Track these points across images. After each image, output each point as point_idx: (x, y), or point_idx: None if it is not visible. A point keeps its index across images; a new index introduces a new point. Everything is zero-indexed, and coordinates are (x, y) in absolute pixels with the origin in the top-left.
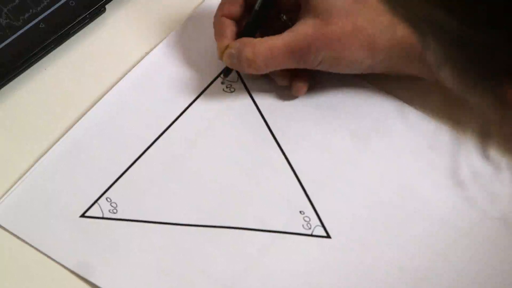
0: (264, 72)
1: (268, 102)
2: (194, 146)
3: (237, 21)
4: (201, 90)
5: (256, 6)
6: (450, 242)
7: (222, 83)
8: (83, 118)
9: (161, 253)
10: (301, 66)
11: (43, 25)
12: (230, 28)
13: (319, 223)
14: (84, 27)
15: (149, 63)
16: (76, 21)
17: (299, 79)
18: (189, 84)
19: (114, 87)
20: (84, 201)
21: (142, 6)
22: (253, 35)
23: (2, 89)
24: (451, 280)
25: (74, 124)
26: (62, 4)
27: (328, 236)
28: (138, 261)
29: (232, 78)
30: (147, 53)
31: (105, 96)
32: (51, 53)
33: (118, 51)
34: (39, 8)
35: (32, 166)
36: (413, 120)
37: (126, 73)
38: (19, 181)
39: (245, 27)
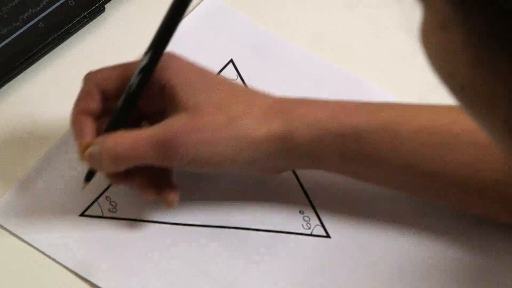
0: (126, 166)
1: None
2: None
3: (97, 118)
4: None
5: (119, 103)
6: (450, 241)
7: (83, 189)
8: None
9: (160, 253)
10: (169, 163)
11: (43, 25)
12: (89, 125)
13: (318, 223)
14: (83, 27)
15: None
16: (76, 20)
17: (169, 189)
18: None
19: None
20: (84, 200)
21: (141, 6)
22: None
23: (1, 88)
24: (451, 280)
25: None
26: (61, 3)
27: (328, 236)
28: (137, 261)
29: (231, 76)
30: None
31: None
32: (51, 52)
33: (118, 51)
34: (38, 8)
35: (32, 165)
36: None
37: None
38: (19, 181)
39: (108, 125)
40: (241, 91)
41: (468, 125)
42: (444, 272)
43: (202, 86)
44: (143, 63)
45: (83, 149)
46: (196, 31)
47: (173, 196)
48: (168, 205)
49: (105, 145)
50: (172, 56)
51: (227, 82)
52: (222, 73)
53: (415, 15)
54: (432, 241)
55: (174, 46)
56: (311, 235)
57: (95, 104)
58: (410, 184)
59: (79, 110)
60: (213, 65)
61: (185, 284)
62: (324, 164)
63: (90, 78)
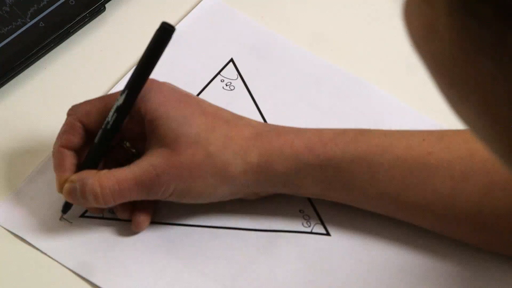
0: (111, 206)
1: (267, 100)
2: None
3: (78, 152)
4: (201, 88)
5: (96, 139)
6: (450, 241)
7: (61, 219)
8: None
9: (160, 253)
10: (152, 198)
11: (43, 24)
12: (69, 159)
13: (318, 221)
14: (83, 26)
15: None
16: (76, 20)
17: (140, 212)
18: (189, 82)
19: (113, 87)
20: None
21: (142, 5)
22: (95, 167)
23: (2, 88)
24: (451, 279)
25: None
26: (61, 3)
27: (328, 234)
28: (137, 261)
29: (232, 76)
30: None
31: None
32: (51, 52)
33: (118, 51)
34: (38, 7)
35: (32, 166)
36: (411, 119)
37: (125, 73)
38: (20, 181)
39: (85, 159)
40: (220, 122)
41: (443, 157)
42: (443, 272)
43: (182, 119)
44: (119, 103)
45: (61, 183)
46: (196, 31)
47: (143, 219)
48: (136, 227)
49: (89, 186)
50: (153, 86)
51: (207, 111)
52: (222, 72)
53: None
54: (432, 240)
55: (175, 45)
56: (311, 233)
57: (76, 138)
58: (389, 210)
59: (61, 144)
60: (213, 65)
61: (185, 284)
62: (303, 192)
63: (72, 113)
